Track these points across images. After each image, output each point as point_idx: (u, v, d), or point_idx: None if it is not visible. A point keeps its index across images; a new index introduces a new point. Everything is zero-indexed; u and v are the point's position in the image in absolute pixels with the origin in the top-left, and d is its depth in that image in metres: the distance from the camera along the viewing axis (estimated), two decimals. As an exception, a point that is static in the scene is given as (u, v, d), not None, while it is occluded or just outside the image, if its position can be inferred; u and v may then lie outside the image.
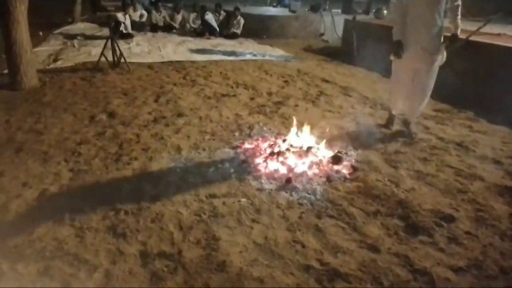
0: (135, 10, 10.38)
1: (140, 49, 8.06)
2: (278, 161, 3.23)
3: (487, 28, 5.92)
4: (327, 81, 6.06)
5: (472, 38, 5.59)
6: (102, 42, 6.39)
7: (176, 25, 10.82)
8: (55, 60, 6.73)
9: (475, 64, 5.25)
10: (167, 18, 10.71)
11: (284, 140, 3.54)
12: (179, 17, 10.97)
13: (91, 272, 2.03)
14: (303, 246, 2.28)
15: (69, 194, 2.74)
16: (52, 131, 3.78)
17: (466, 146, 3.73)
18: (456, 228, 2.49)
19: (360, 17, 8.94)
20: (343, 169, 3.22)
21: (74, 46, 7.98)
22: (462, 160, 3.45)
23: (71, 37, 8.92)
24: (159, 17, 10.50)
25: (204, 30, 10.10)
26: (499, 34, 6.13)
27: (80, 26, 10.68)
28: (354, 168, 3.23)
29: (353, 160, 3.40)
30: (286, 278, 2.04)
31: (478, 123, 4.40)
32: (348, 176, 3.11)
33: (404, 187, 2.97)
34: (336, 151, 3.46)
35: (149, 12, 10.62)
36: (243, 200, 2.73)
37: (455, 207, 2.71)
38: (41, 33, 8.95)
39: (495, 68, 4.96)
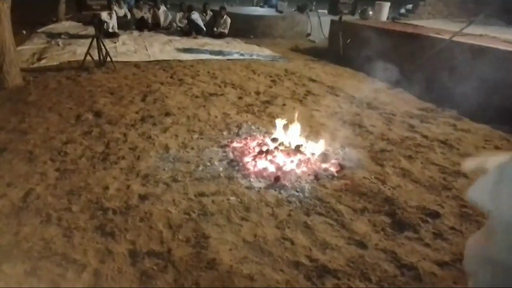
0: (120, 7, 10.26)
1: (126, 48, 7.98)
2: (266, 159, 3.25)
3: (470, 29, 6.07)
4: (314, 81, 6.11)
5: (455, 38, 5.72)
6: (87, 41, 6.31)
7: (161, 22, 10.71)
8: (39, 59, 6.61)
9: (458, 64, 5.35)
10: (148, 15, 10.60)
11: (272, 139, 3.56)
12: (161, 13, 10.83)
13: (79, 272, 2.01)
14: (292, 243, 2.31)
15: (55, 193, 2.70)
16: (37, 130, 3.72)
17: (450, 144, 3.81)
18: (441, 224, 2.55)
19: (346, 18, 9.02)
20: (331, 167, 3.26)
21: (58, 45, 7.86)
22: (446, 157, 3.53)
23: (55, 36, 8.77)
24: (140, 14, 10.41)
25: (191, 30, 10.06)
26: (481, 35, 6.28)
27: (64, 25, 10.52)
28: (341, 166, 3.27)
29: (341, 158, 3.44)
30: (275, 275, 2.06)
31: (461, 122, 4.49)
32: (335, 174, 3.15)
33: (390, 184, 3.02)
34: (323, 149, 3.49)
35: (130, 11, 10.52)
36: (232, 198, 2.74)
37: (440, 204, 2.77)
38: (24, 32, 8.78)
39: (478, 68, 5.07)
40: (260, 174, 3.08)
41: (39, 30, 9.34)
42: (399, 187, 2.98)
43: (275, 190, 2.87)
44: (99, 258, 2.12)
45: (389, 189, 2.95)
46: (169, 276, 2.01)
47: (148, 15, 10.59)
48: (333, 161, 3.35)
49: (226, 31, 10.17)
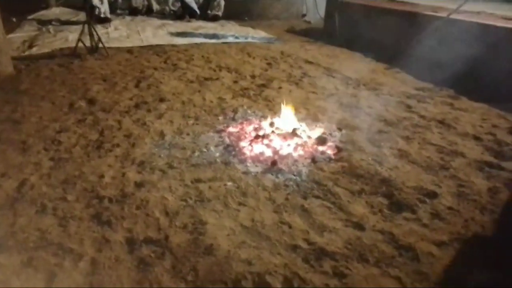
0: None
1: (119, 34, 7.84)
2: (263, 144, 3.22)
3: (467, 6, 5.97)
4: (310, 63, 6.04)
5: (453, 16, 5.64)
6: (79, 27, 6.19)
7: (155, 7, 10.49)
8: (30, 47, 6.49)
9: (455, 43, 5.29)
10: (144, 3, 10.37)
11: (269, 123, 3.52)
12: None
13: (76, 261, 2.00)
14: (290, 227, 2.30)
15: (50, 183, 2.68)
16: (30, 119, 3.68)
17: (448, 123, 3.79)
18: (438, 204, 2.54)
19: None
20: (328, 149, 3.24)
21: (49, 32, 7.72)
22: (443, 137, 3.51)
23: (46, 22, 8.60)
24: (139, 2, 10.19)
25: (184, 13, 9.88)
26: (478, 12, 6.18)
27: (55, 11, 10.31)
28: (338, 149, 3.25)
29: (338, 141, 3.41)
30: (274, 258, 2.05)
31: (458, 101, 4.46)
32: (332, 157, 3.13)
33: (388, 165, 3.01)
34: (320, 132, 3.47)
35: None
36: (229, 183, 2.73)
37: (438, 184, 2.77)
38: (14, 19, 8.61)
39: (475, 46, 5.01)
40: (256, 159, 3.06)
41: (30, 17, 9.15)
42: (396, 168, 2.97)
43: (272, 174, 2.85)
44: (96, 247, 2.11)
45: (386, 170, 2.94)
46: (166, 263, 2.01)
47: (144, 3, 10.34)
48: (330, 143, 3.33)
49: (220, 13, 9.99)
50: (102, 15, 8.83)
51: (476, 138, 3.49)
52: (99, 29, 7.39)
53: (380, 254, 2.10)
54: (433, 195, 2.63)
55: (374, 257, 2.08)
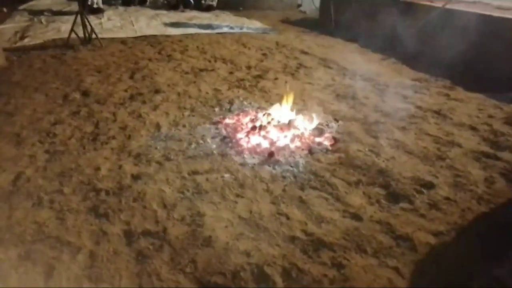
0: None
1: (112, 24, 7.74)
2: (260, 135, 3.21)
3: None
4: (306, 53, 6.00)
5: (448, 6, 5.62)
6: (71, 17, 6.09)
7: None
8: (22, 38, 6.38)
9: (451, 33, 5.28)
10: None
11: (265, 114, 3.51)
12: None
13: (74, 254, 1.99)
14: (288, 218, 2.30)
15: (46, 176, 2.65)
16: (24, 112, 3.63)
17: (444, 114, 3.80)
18: (435, 194, 2.56)
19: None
20: (325, 141, 3.23)
21: (41, 23, 7.59)
22: (440, 128, 3.52)
23: (37, 13, 8.46)
24: None
25: (178, 3, 9.76)
26: (474, 2, 6.17)
27: (46, 2, 10.12)
28: (335, 140, 3.25)
29: (334, 132, 3.41)
30: (272, 250, 2.06)
31: (455, 91, 4.47)
32: (329, 148, 3.13)
33: (385, 156, 3.01)
34: (317, 123, 3.46)
35: None
36: (226, 175, 2.72)
37: (434, 174, 2.78)
38: (5, 10, 8.46)
39: (471, 36, 5.00)
40: (253, 150, 3.05)
41: (21, 8, 8.99)
42: (393, 159, 2.98)
43: (269, 166, 2.84)
44: (93, 239, 2.10)
45: (383, 161, 2.94)
46: (165, 255, 2.01)
47: None
48: (327, 134, 3.32)
49: (214, 3, 9.89)
50: (95, 6, 8.71)
51: (472, 129, 3.51)
52: (92, 19, 7.28)
53: (378, 245, 2.11)
54: (430, 185, 2.64)
55: (372, 247, 2.10)
